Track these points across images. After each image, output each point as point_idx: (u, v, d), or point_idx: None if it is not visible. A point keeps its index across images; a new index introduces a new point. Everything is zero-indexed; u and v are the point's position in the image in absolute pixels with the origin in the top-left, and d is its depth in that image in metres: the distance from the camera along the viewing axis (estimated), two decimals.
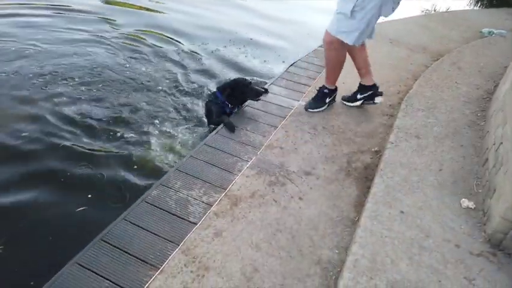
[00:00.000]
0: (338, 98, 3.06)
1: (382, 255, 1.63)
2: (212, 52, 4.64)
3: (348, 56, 2.77)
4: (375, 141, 2.63)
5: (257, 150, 2.42)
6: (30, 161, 2.51)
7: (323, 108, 2.92)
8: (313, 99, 2.94)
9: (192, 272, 1.62)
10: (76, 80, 3.51)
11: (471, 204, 1.90)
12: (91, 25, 4.85)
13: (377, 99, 2.91)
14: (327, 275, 1.66)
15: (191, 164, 2.25)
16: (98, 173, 2.45)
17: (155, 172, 2.48)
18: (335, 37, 2.53)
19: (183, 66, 4.13)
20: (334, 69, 2.78)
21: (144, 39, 4.69)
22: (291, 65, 3.79)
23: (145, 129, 2.95)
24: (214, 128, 2.67)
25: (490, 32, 5.06)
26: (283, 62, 4.51)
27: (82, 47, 4.18)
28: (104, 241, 1.71)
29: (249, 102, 2.94)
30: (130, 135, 2.87)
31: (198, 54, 4.52)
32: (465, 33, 5.17)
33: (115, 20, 5.16)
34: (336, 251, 1.77)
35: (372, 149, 2.54)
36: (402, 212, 1.86)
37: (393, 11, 2.55)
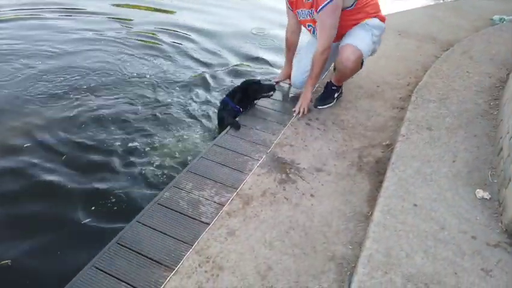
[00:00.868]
0: (344, 97, 3.04)
1: (396, 249, 1.62)
2: (232, 48, 4.68)
3: None
4: (386, 134, 2.61)
5: (267, 149, 2.42)
6: (33, 170, 2.49)
7: (332, 103, 2.91)
8: (322, 96, 2.93)
9: (206, 272, 1.63)
10: (89, 82, 3.54)
11: (486, 195, 1.87)
12: (103, 26, 4.92)
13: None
14: (341, 271, 1.65)
15: (202, 165, 2.27)
16: (105, 179, 2.45)
17: (167, 174, 2.50)
18: (362, 56, 2.67)
19: (205, 64, 4.17)
20: (347, 77, 2.85)
21: (160, 37, 4.75)
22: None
23: (164, 130, 2.99)
24: None
25: (501, 19, 4.95)
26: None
27: (96, 47, 4.25)
28: (120, 244, 1.74)
29: (258, 101, 2.95)
30: (146, 133, 2.91)
31: (219, 51, 4.55)
32: (475, 21, 5.08)
33: (131, 20, 5.25)
34: (350, 247, 1.76)
35: (384, 143, 2.51)
36: (415, 205, 1.84)
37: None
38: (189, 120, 3.17)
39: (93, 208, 2.22)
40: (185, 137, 2.93)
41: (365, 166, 2.30)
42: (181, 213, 1.92)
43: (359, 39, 2.63)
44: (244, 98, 2.84)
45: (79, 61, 3.90)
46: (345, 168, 2.28)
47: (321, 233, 1.83)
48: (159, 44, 4.54)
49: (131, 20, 5.27)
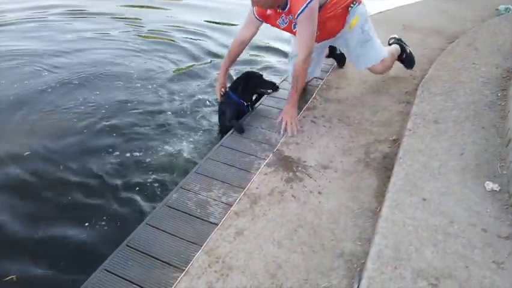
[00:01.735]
0: (349, 93, 3.02)
1: (406, 244, 1.61)
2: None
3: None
4: (392, 129, 2.59)
5: (273, 148, 2.42)
6: (34, 178, 2.48)
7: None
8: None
9: (216, 272, 1.63)
10: (98, 82, 3.61)
11: (496, 187, 1.85)
12: (110, 25, 5.03)
13: None
14: (351, 267, 1.65)
15: (209, 166, 2.28)
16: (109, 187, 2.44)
17: (175, 176, 2.52)
18: (381, 60, 2.86)
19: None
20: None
21: (172, 34, 4.84)
22: None
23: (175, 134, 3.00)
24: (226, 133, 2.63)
25: (506, 9, 4.88)
26: None
27: (106, 46, 4.36)
28: (129, 246, 1.75)
29: (262, 100, 2.95)
30: (157, 136, 2.93)
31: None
32: (481, 12, 5.02)
33: (140, 19, 5.35)
34: (359, 243, 1.76)
35: (390, 138, 2.50)
36: (424, 199, 1.83)
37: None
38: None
39: (93, 219, 2.19)
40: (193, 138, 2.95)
41: (371, 162, 2.29)
42: (190, 215, 1.93)
43: (370, 55, 2.81)
44: (246, 89, 2.79)
45: (85, 61, 3.98)
46: (352, 164, 2.28)
47: (330, 230, 1.83)
48: (172, 41, 4.61)
49: (140, 19, 5.35)
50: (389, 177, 2.06)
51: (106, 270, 1.65)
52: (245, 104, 2.81)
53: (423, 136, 2.28)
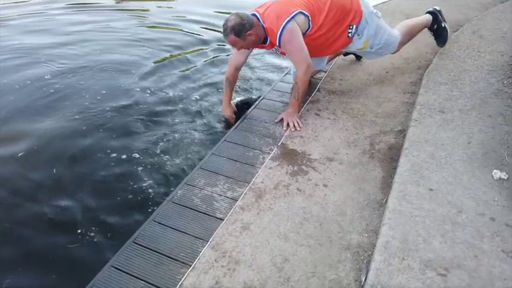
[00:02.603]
0: (353, 85, 3.00)
1: (413, 234, 1.59)
2: None
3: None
4: (398, 120, 2.57)
5: (277, 141, 2.41)
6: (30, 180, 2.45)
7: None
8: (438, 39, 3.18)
9: (223, 266, 1.63)
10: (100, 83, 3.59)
11: (503, 175, 1.83)
12: (111, 16, 5.08)
13: None
14: (358, 259, 1.64)
15: (213, 161, 2.27)
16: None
17: (180, 173, 2.51)
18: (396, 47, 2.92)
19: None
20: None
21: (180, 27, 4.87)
22: None
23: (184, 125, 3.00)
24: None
25: None
26: None
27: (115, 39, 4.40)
28: (136, 243, 1.76)
29: (265, 94, 2.93)
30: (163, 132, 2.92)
31: None
32: None
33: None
34: (366, 235, 1.75)
35: (396, 129, 2.48)
36: (431, 189, 1.81)
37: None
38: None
39: (95, 223, 2.16)
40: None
41: (377, 153, 2.28)
42: (195, 210, 1.93)
43: (384, 53, 2.88)
44: None
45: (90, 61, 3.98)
46: (357, 156, 2.26)
47: (336, 223, 1.82)
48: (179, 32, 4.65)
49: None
50: (394, 169, 2.04)
51: (113, 267, 1.65)
52: None
53: (429, 126, 2.26)
